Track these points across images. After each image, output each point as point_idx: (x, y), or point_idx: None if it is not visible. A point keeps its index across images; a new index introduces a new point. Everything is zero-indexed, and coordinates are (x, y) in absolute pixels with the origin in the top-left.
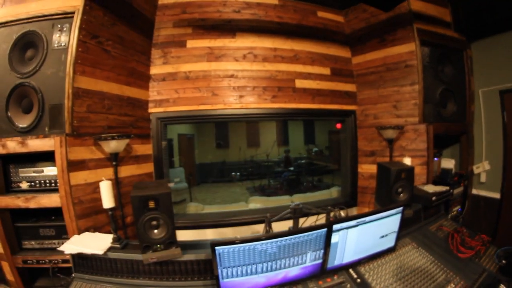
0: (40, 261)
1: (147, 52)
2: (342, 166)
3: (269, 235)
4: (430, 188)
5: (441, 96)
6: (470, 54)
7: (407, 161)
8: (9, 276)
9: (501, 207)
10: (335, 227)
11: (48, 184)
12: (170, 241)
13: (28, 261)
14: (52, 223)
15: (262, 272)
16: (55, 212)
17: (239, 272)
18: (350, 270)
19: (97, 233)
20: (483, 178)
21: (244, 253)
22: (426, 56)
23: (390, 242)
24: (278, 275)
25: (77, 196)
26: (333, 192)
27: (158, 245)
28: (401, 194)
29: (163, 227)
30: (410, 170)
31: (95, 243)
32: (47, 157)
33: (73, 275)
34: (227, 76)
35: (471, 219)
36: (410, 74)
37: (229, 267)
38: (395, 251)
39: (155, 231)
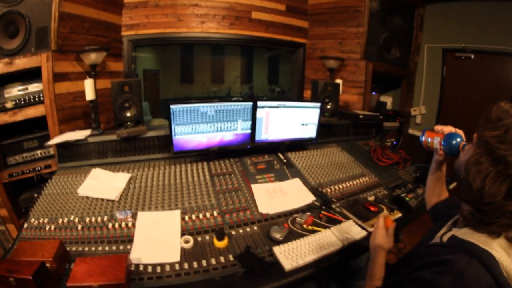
0: (25, 171)
1: None
2: (291, 90)
3: (209, 100)
4: (360, 111)
5: (385, 41)
6: (422, 12)
7: (338, 81)
8: None
9: None
10: (259, 103)
11: (32, 100)
12: (138, 120)
13: (14, 174)
14: (35, 134)
15: (203, 132)
16: (38, 125)
17: (186, 131)
18: (279, 154)
19: (76, 131)
20: (418, 120)
21: (190, 113)
22: (375, 5)
23: (311, 133)
24: (216, 137)
25: (60, 103)
26: None
27: (129, 123)
28: (329, 104)
29: (134, 108)
30: (335, 85)
31: (77, 134)
32: (30, 77)
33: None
34: (192, 5)
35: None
36: (357, 17)
37: (179, 124)
38: (320, 149)
39: (128, 113)
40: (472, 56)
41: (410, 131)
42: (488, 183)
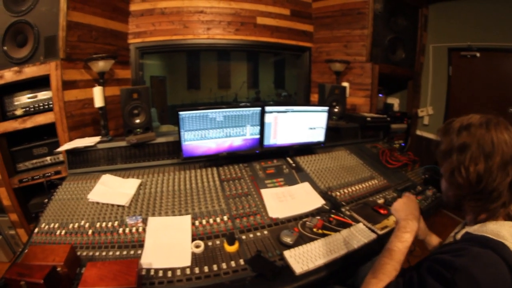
0: (34, 177)
1: None
2: (298, 94)
3: (217, 106)
4: (368, 114)
5: (390, 43)
6: (425, 12)
7: (345, 84)
8: (6, 201)
9: None
10: (267, 109)
11: (42, 107)
12: (147, 127)
13: (24, 179)
14: (45, 141)
15: (213, 137)
16: (47, 132)
17: (195, 136)
18: (288, 158)
19: (86, 137)
20: (426, 121)
21: (199, 119)
22: (379, 7)
23: (319, 136)
24: (225, 143)
25: (69, 110)
26: None
27: (138, 129)
28: (336, 107)
29: (143, 114)
30: (342, 88)
31: (86, 141)
32: (39, 85)
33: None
34: (197, 12)
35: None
36: (361, 20)
37: (188, 130)
38: (328, 153)
39: (137, 119)
40: (478, 55)
41: (418, 132)
42: (467, 170)
